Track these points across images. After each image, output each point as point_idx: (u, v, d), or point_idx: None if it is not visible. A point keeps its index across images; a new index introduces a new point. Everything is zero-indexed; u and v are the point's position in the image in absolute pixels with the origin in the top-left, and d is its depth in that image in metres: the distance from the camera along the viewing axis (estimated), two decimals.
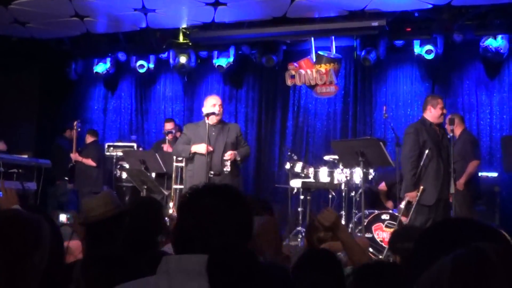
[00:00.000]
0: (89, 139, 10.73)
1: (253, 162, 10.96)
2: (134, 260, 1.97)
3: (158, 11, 9.74)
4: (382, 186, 9.14)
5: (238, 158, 7.13)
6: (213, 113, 7.18)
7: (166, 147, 9.78)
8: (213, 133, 7.14)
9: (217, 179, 7.00)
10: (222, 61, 11.01)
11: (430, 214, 6.73)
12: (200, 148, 7.04)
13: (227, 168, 7.07)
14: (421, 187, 6.79)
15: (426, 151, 6.79)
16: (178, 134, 9.77)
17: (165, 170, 8.77)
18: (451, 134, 6.93)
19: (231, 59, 11.00)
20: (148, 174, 8.38)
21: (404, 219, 6.99)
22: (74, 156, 10.28)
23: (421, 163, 6.79)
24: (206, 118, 7.12)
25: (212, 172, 7.03)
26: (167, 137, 9.98)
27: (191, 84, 11.93)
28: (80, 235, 3.87)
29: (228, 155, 6.99)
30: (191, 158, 7.19)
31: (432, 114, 6.97)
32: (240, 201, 1.95)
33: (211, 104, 7.22)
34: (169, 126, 10.01)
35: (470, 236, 1.46)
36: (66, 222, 6.39)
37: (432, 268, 1.30)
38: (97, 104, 12.53)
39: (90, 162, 10.33)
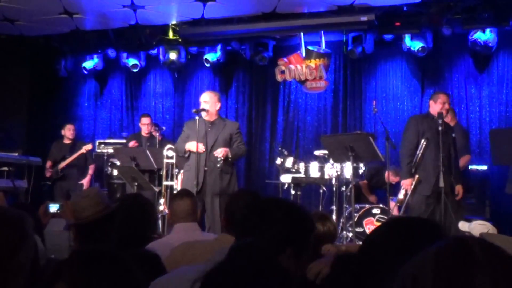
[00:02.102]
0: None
1: (243, 158, 10.70)
2: (124, 256, 1.89)
3: (147, 8, 9.72)
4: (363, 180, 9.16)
5: (230, 156, 7.10)
6: (203, 109, 7.22)
7: (132, 144, 9.76)
8: (209, 129, 7.15)
9: (210, 175, 7.08)
10: (212, 57, 10.98)
11: (428, 205, 6.86)
12: (191, 146, 7.11)
13: (219, 165, 7.06)
14: (416, 176, 6.93)
15: (423, 141, 6.96)
16: (154, 132, 9.82)
17: (156, 167, 8.75)
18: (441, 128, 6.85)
19: (221, 55, 11.00)
20: (139, 171, 8.32)
21: (397, 214, 7.09)
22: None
23: (418, 152, 6.96)
24: (196, 113, 7.25)
25: (206, 168, 7.07)
26: (142, 133, 9.98)
27: (182, 80, 11.91)
28: (69, 222, 3.86)
29: (219, 152, 6.98)
30: (188, 155, 7.28)
31: (433, 108, 7.15)
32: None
33: (203, 101, 7.28)
34: (145, 121, 9.91)
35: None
36: (57, 212, 6.41)
37: (413, 260, 1.30)
38: (87, 101, 12.50)
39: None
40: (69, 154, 10.20)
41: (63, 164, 10.13)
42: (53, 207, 6.47)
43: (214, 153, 6.97)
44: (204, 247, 3.28)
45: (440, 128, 6.78)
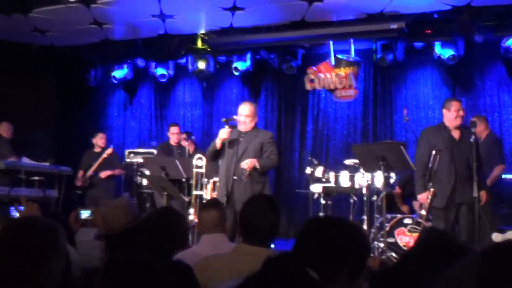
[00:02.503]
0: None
1: (274, 176, 10.73)
2: (157, 266, 1.92)
3: (176, 17, 9.76)
4: (397, 188, 9.04)
5: (258, 167, 6.89)
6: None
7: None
8: (241, 139, 7.02)
9: (239, 184, 6.92)
10: (241, 66, 10.94)
11: (446, 218, 6.67)
12: (221, 133, 7.03)
13: (243, 177, 6.91)
14: (432, 189, 6.75)
15: (434, 152, 6.76)
16: (185, 142, 9.74)
17: (185, 176, 8.63)
18: (473, 137, 6.68)
19: (249, 64, 10.95)
20: (168, 180, 8.22)
21: (427, 224, 6.92)
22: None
23: (430, 165, 6.77)
24: (225, 123, 7.14)
25: (234, 178, 6.91)
26: (171, 142, 9.86)
27: (210, 90, 11.86)
28: (100, 232, 3.86)
29: (245, 164, 6.81)
30: (218, 155, 7.19)
31: (447, 117, 6.89)
32: None
33: (243, 114, 7.12)
34: (174, 130, 9.81)
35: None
36: (88, 218, 6.43)
37: (457, 265, 1.32)
38: (117, 111, 12.55)
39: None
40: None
41: (90, 172, 10.19)
42: (85, 214, 6.55)
43: (241, 164, 6.81)
44: (223, 260, 3.25)
45: (471, 139, 6.60)
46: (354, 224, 2.19)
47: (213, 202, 4.49)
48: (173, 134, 9.79)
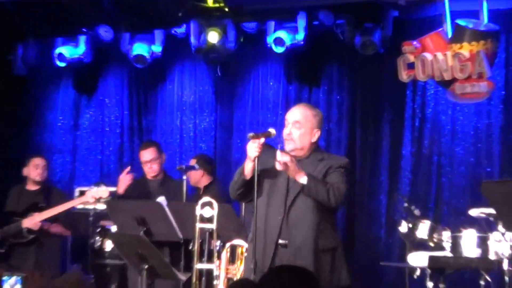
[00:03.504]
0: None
1: (340, 218, 9.74)
2: None
3: None
4: None
5: (301, 181, 6.24)
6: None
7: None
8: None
9: (287, 254, 6.13)
10: (285, 39, 9.96)
11: None
12: (249, 150, 6.36)
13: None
14: None
15: None
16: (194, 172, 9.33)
17: (181, 236, 7.98)
18: None
19: (300, 36, 9.96)
20: (152, 243, 7.42)
21: None
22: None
23: None
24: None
25: (281, 242, 6.11)
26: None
27: (228, 80, 10.96)
28: None
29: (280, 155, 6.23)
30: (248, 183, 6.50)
31: None
32: None
33: (292, 121, 6.43)
34: (147, 155, 9.04)
35: None
36: None
37: None
38: (63, 118, 11.67)
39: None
40: (37, 207, 9.56)
41: (31, 223, 9.41)
42: (9, 282, 6.59)
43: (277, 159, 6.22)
44: None
45: None
46: None
47: (241, 285, 4.64)
48: (147, 163, 9.07)
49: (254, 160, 6.23)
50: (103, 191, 9.29)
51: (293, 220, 6.19)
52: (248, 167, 6.32)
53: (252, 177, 6.32)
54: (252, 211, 6.71)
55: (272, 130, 6.26)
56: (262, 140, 6.24)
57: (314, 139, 6.31)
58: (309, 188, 6.15)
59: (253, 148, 6.21)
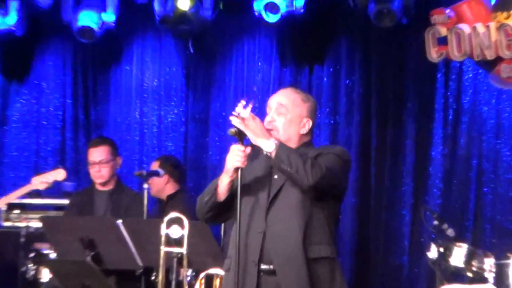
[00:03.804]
0: None
1: (350, 240, 9.50)
2: None
3: None
4: None
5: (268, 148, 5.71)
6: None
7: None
8: (275, 176, 5.66)
9: (272, 281, 5.52)
10: (277, 4, 9.51)
11: None
12: (230, 158, 5.67)
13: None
14: None
15: None
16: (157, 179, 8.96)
17: (141, 264, 7.58)
18: None
19: (299, 2, 9.54)
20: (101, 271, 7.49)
21: None
22: None
23: None
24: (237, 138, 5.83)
25: (263, 267, 5.45)
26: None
27: (204, 61, 10.47)
28: None
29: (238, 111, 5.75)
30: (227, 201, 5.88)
31: None
32: None
33: (273, 107, 5.80)
34: (96, 154, 8.61)
35: None
36: None
37: None
38: None
39: None
40: None
41: None
42: None
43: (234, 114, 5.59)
44: None
45: None
46: None
47: None
48: (94, 165, 8.60)
49: (237, 172, 5.50)
50: (58, 173, 8.71)
51: (276, 232, 5.39)
52: (224, 184, 5.55)
53: (227, 199, 5.58)
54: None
55: (278, 125, 5.62)
56: (249, 149, 5.49)
57: (303, 131, 5.64)
58: (279, 157, 5.44)
59: (237, 155, 5.41)
